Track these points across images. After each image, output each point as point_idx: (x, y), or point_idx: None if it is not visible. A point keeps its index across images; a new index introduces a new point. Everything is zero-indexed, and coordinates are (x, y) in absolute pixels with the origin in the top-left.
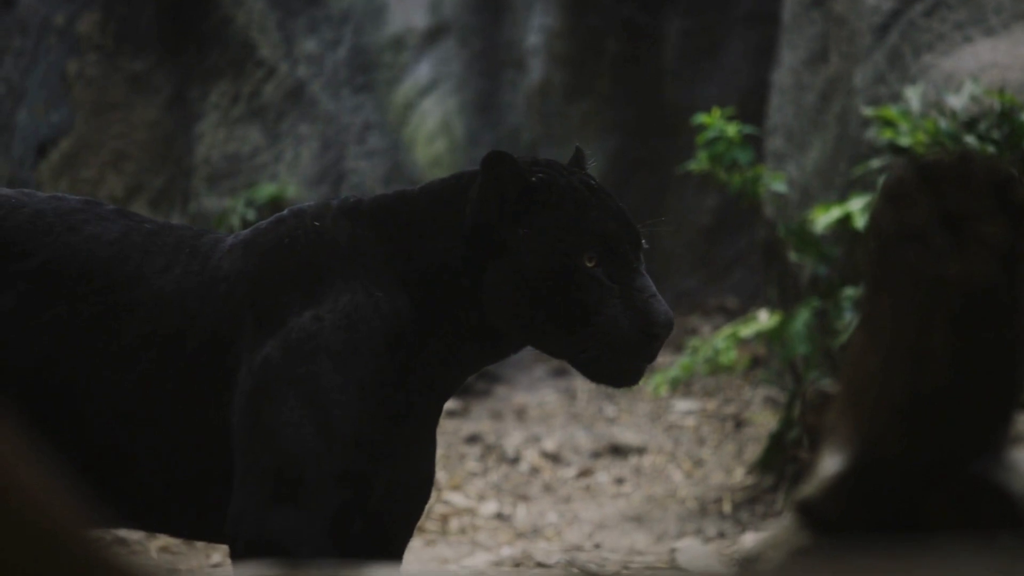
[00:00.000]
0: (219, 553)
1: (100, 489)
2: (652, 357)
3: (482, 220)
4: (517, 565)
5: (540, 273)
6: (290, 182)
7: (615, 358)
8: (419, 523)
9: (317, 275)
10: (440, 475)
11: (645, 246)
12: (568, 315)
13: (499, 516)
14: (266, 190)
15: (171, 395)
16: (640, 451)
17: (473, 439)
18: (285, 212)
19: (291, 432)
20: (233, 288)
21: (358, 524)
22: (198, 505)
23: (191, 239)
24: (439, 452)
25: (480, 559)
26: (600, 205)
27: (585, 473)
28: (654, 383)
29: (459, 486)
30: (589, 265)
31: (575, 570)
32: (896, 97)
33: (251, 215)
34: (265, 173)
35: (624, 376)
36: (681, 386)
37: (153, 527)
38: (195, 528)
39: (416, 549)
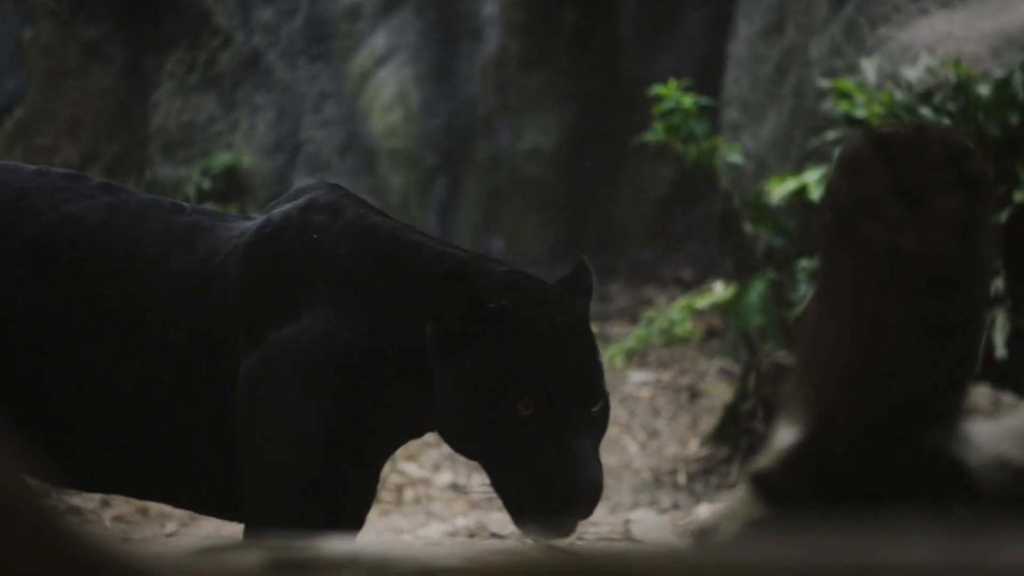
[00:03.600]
0: (173, 523)
1: (75, 457)
2: (583, 515)
3: (431, 333)
4: (472, 536)
5: (471, 407)
6: (246, 151)
7: (535, 515)
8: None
9: (303, 292)
10: None
11: (601, 401)
12: (492, 457)
13: (454, 487)
14: (222, 159)
15: (159, 387)
16: None
17: None
18: (294, 214)
19: (266, 454)
20: (227, 293)
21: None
22: (202, 488)
23: (183, 228)
24: None
25: (435, 529)
26: (556, 349)
27: None
28: (609, 354)
29: (414, 456)
30: (524, 413)
31: (529, 541)
32: (852, 69)
33: (206, 184)
34: (221, 142)
35: (550, 530)
36: (636, 357)
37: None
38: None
39: (371, 519)
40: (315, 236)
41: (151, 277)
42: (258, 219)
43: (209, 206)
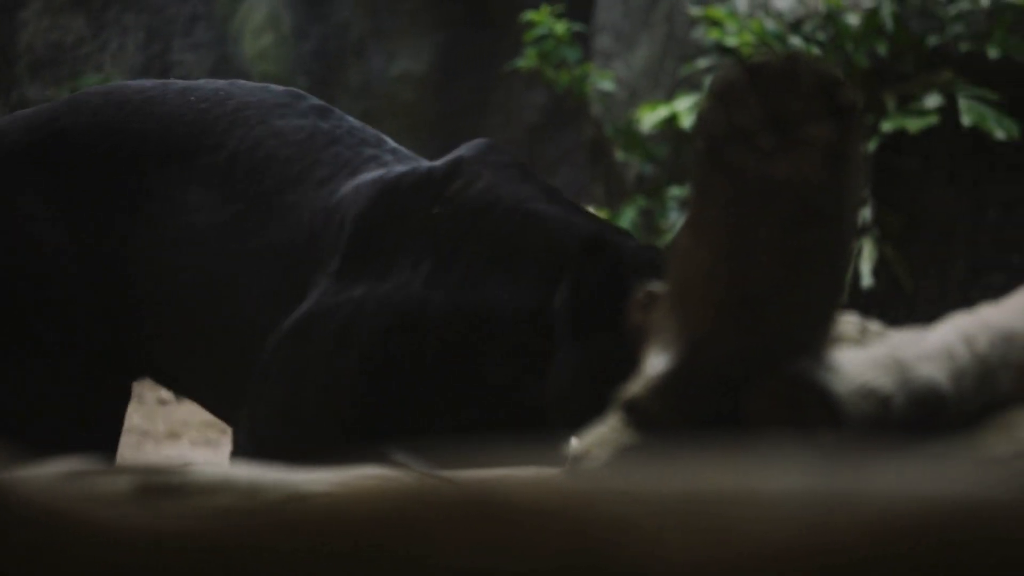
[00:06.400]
0: None
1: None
2: None
3: (563, 307)
4: None
5: (603, 391)
6: (115, 73)
7: None
8: None
9: (398, 262)
10: None
11: None
12: None
13: None
14: (91, 80)
15: (265, 313)
16: None
17: None
18: (437, 176)
19: (279, 398)
20: (342, 228)
21: None
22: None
23: (363, 160)
24: None
25: None
26: None
27: None
28: None
29: None
30: None
31: (401, 466)
32: None
33: None
34: (90, 63)
35: None
36: None
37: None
38: None
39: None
40: (437, 211)
41: (307, 198)
42: (408, 167)
43: None
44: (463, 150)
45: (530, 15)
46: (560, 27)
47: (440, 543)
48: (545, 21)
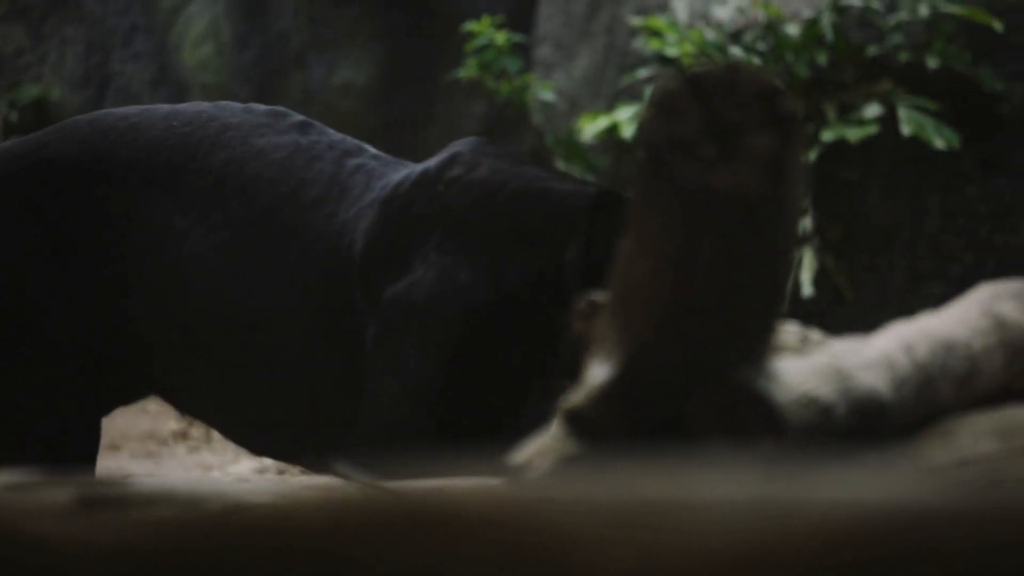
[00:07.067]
0: None
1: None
2: None
3: (575, 262)
4: (281, 472)
5: None
6: (54, 84)
7: None
8: (184, 430)
9: (415, 245)
10: None
11: None
12: None
13: None
14: (30, 91)
15: (283, 338)
16: None
17: None
18: (432, 170)
19: (381, 408)
20: (352, 250)
21: None
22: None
23: (349, 172)
24: None
25: (244, 466)
26: None
27: None
28: None
29: None
30: None
31: (341, 475)
32: (664, 7)
33: (13, 116)
34: (29, 74)
35: None
36: None
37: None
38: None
39: (180, 456)
40: (441, 189)
41: (303, 221)
42: (399, 173)
43: None
44: (457, 146)
45: (471, 25)
46: (501, 37)
47: (383, 553)
48: (486, 31)
